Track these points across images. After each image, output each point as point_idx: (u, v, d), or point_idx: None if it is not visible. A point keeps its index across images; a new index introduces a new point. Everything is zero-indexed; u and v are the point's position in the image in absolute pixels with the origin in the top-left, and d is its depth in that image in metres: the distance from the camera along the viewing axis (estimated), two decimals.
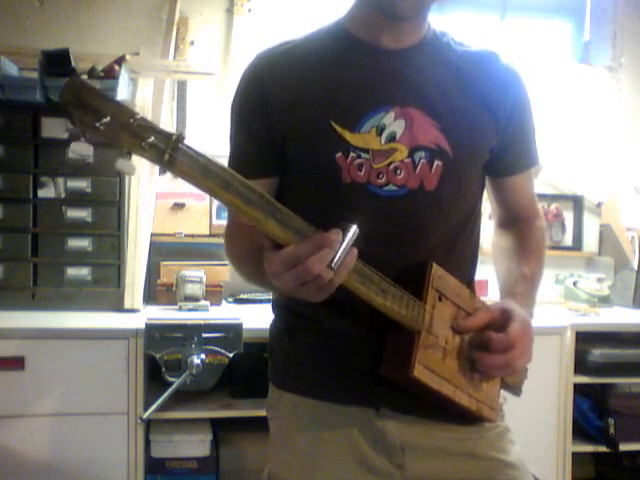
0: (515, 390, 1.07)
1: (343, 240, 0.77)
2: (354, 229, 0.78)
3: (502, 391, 1.05)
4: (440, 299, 0.95)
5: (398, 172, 0.97)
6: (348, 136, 0.96)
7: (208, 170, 0.73)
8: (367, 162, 0.96)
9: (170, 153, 0.69)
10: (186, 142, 0.71)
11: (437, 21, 1.06)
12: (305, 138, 0.99)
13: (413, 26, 1.00)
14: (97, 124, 0.67)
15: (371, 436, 1.00)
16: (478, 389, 0.97)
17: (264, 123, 1.01)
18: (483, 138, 1.02)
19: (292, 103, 0.99)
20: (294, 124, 0.99)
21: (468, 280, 1.07)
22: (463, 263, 1.06)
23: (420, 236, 0.99)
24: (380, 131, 0.96)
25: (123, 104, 0.69)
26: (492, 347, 0.92)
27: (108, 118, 0.67)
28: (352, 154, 0.96)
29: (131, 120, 0.68)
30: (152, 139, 0.68)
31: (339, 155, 0.96)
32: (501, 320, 0.94)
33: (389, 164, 0.96)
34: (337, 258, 0.76)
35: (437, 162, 0.97)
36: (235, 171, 1.06)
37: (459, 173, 1.00)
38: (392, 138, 0.97)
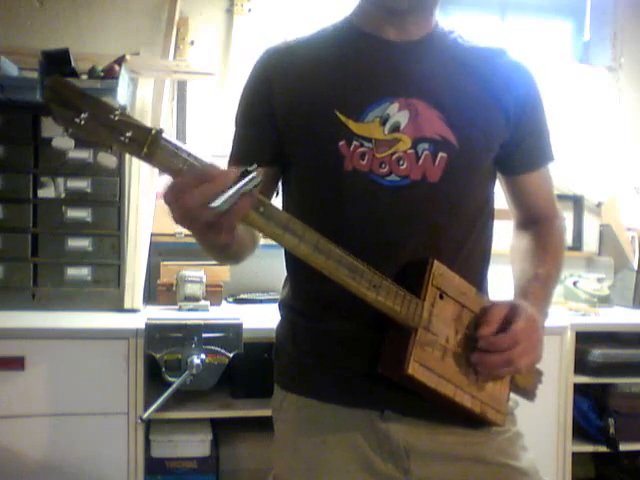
0: (528, 394, 1.05)
1: (236, 182, 0.73)
2: (253, 174, 0.74)
3: (514, 395, 1.03)
4: (441, 297, 0.94)
5: (401, 162, 0.96)
6: (352, 125, 0.96)
7: (187, 164, 0.73)
8: (370, 151, 0.96)
9: (149, 146, 0.71)
10: (165, 136, 0.72)
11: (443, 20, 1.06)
12: (309, 126, 0.99)
13: (418, 20, 1.01)
14: (77, 119, 0.70)
15: (375, 439, 0.99)
16: (483, 390, 0.95)
17: (268, 115, 1.02)
18: (491, 131, 1.01)
19: (297, 94, 1.00)
20: (298, 113, 1.00)
21: (479, 280, 1.05)
22: (474, 262, 1.04)
23: (421, 227, 0.98)
24: (384, 121, 0.96)
25: (103, 100, 0.71)
26: (493, 347, 0.91)
27: (87, 113, 0.69)
28: (355, 143, 0.96)
29: (110, 115, 0.70)
30: (130, 133, 0.70)
31: (342, 143, 0.96)
32: (507, 317, 0.93)
33: (392, 154, 0.96)
34: (221, 198, 0.71)
35: (441, 154, 0.97)
36: (235, 159, 1.07)
37: (466, 166, 0.99)
38: (396, 128, 0.96)
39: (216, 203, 0.71)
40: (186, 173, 0.73)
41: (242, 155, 1.07)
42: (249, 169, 0.73)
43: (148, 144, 0.70)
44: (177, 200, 0.72)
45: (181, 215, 0.73)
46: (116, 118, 0.70)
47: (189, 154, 0.73)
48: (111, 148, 0.72)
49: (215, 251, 0.93)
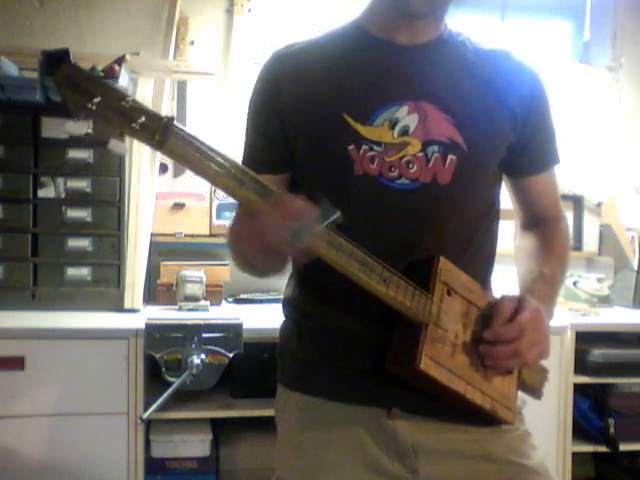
0: (535, 392, 1.04)
1: (318, 218, 0.75)
2: (337, 213, 0.77)
3: (521, 394, 1.02)
4: (449, 293, 0.93)
5: (411, 166, 0.96)
6: (361, 129, 0.96)
7: (199, 151, 0.73)
8: (380, 155, 0.96)
9: (161, 133, 0.70)
10: (177, 123, 0.72)
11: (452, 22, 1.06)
12: (317, 131, 0.99)
13: (429, 24, 1.00)
14: (88, 104, 0.69)
15: (382, 438, 0.98)
16: (492, 387, 0.94)
17: (277, 121, 1.02)
18: (499, 134, 1.02)
19: (305, 98, 1.00)
20: (307, 118, 1.00)
21: (484, 280, 1.05)
22: (479, 262, 1.05)
23: (432, 230, 0.98)
24: (393, 124, 0.96)
25: (114, 86, 0.71)
26: (499, 337, 0.90)
27: (99, 98, 0.69)
28: (364, 147, 0.96)
29: (122, 102, 0.70)
30: (143, 120, 0.70)
31: (351, 147, 0.96)
32: (514, 309, 0.92)
33: (402, 157, 0.96)
34: (301, 234, 0.74)
35: (451, 157, 0.97)
36: (246, 165, 1.07)
37: (474, 168, 0.99)
38: (405, 132, 0.96)
39: (297, 239, 0.74)
40: (269, 202, 0.75)
41: (254, 164, 1.06)
42: (336, 216, 0.77)
43: (160, 131, 0.70)
44: (255, 235, 0.77)
45: (259, 247, 0.77)
46: (128, 105, 0.70)
47: (201, 142, 0.73)
48: (122, 135, 0.73)
49: (260, 267, 0.95)
